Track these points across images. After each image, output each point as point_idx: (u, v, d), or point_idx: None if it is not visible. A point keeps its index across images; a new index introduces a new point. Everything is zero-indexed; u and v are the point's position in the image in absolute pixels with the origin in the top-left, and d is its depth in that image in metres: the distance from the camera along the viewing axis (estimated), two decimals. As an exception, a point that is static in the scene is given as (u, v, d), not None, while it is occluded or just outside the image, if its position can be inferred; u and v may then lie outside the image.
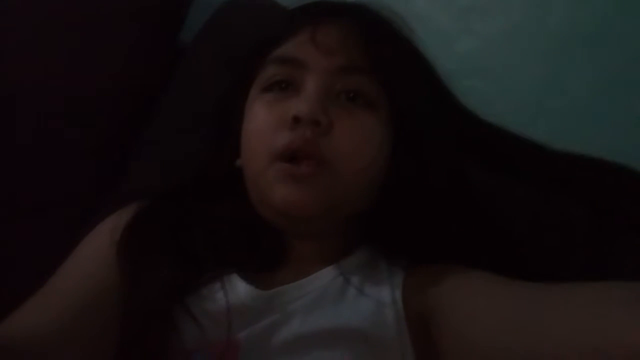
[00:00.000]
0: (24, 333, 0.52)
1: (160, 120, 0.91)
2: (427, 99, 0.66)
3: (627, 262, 0.67)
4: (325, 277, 0.61)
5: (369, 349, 0.57)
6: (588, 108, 0.91)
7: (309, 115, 0.58)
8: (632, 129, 0.87)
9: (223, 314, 0.56)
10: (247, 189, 0.64)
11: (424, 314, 0.58)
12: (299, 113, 0.58)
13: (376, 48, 0.63)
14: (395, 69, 0.64)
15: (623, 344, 0.42)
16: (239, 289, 0.59)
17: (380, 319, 0.58)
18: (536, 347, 0.49)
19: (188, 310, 0.57)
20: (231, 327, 0.56)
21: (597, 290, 0.49)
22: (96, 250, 0.62)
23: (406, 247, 0.64)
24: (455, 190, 0.65)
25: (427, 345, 0.57)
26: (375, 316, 0.59)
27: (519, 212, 0.71)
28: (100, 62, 0.89)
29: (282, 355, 0.56)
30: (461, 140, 0.69)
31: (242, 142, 0.65)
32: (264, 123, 0.62)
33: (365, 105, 0.62)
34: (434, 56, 0.70)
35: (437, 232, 0.63)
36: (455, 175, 0.66)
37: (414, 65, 0.67)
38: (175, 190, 0.69)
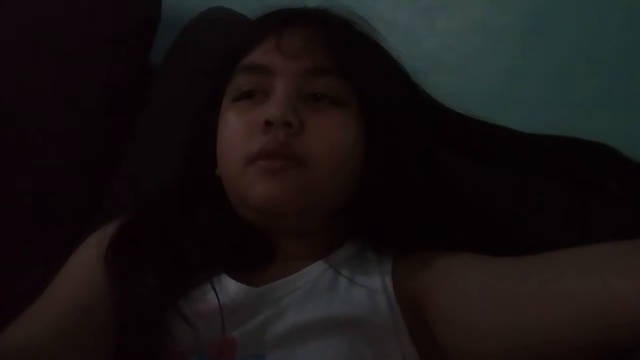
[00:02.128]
0: (18, 344, 0.52)
1: (138, 139, 0.92)
2: (394, 92, 0.67)
3: (608, 236, 0.69)
4: (315, 271, 0.62)
5: (365, 336, 0.57)
6: (548, 96, 0.93)
7: (280, 118, 0.59)
8: (595, 112, 0.89)
9: (216, 314, 0.57)
10: (228, 196, 0.65)
11: (415, 299, 0.59)
12: (270, 117, 0.60)
13: (340, 48, 0.64)
14: (360, 65, 0.65)
15: (617, 302, 0.43)
16: (230, 287, 0.60)
17: (373, 306, 0.59)
18: (525, 318, 0.50)
19: (180, 313, 0.57)
20: (225, 325, 0.56)
21: (580, 253, 0.49)
22: (84, 262, 0.62)
23: (391, 238, 0.65)
24: (433, 179, 0.66)
25: (422, 330, 0.58)
26: (368, 303, 0.59)
27: (500, 195, 0.72)
28: (73, 84, 0.90)
29: (278, 349, 0.57)
30: (434, 131, 0.71)
31: (217, 151, 0.66)
32: (236, 130, 0.63)
33: (334, 104, 0.63)
34: (401, 55, 0.72)
35: (419, 221, 0.64)
36: (431, 164, 0.67)
37: (379, 60, 0.68)
38: (156, 201, 0.70)
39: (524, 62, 0.95)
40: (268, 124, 0.60)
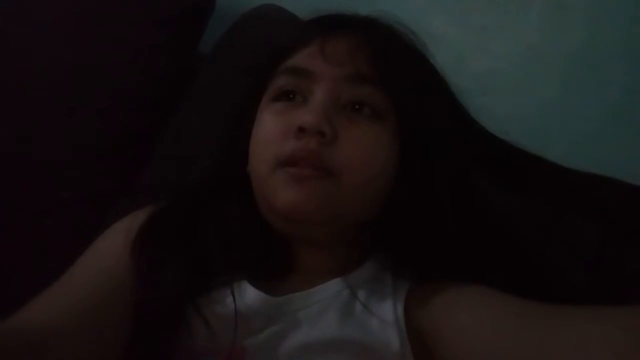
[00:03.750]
0: (37, 324, 0.53)
1: (177, 124, 0.93)
2: (435, 111, 0.66)
3: (636, 279, 0.66)
4: (333, 288, 0.62)
5: None
6: (601, 133, 0.90)
7: (314, 126, 0.59)
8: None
9: (231, 319, 0.57)
10: (255, 195, 0.65)
11: (426, 329, 0.58)
12: (304, 123, 0.59)
13: (384, 59, 0.63)
14: (402, 80, 0.64)
15: None
16: (248, 294, 0.60)
17: (384, 337, 0.58)
18: None
19: (199, 311, 0.57)
20: (238, 332, 0.56)
21: (600, 326, 0.47)
22: (111, 247, 0.63)
23: (412, 260, 0.64)
24: (463, 203, 0.65)
25: (428, 358, 0.57)
26: (380, 334, 0.59)
27: (529, 227, 0.71)
28: (119, 64, 0.91)
29: None
30: (471, 154, 0.69)
31: (250, 149, 0.66)
32: (271, 131, 0.63)
33: (371, 116, 0.62)
34: (448, 74, 0.70)
35: (443, 245, 0.63)
36: (463, 188, 0.65)
37: (423, 77, 0.67)
38: (188, 192, 0.70)
39: (576, 93, 0.92)
40: (301, 130, 0.59)
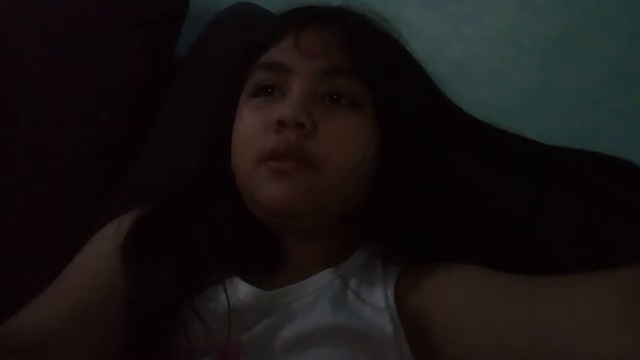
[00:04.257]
0: (32, 330, 0.52)
1: (158, 127, 0.92)
2: (412, 97, 0.66)
3: (624, 251, 0.67)
4: (324, 278, 0.62)
5: (367, 349, 0.57)
6: (578, 115, 0.91)
7: (293, 119, 0.59)
8: (622, 127, 0.87)
9: (225, 315, 0.57)
10: (240, 191, 0.65)
11: (417, 311, 0.59)
12: (283, 117, 0.59)
13: (358, 49, 0.63)
14: (377, 68, 0.64)
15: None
16: (241, 289, 0.60)
17: (377, 323, 0.59)
18: (519, 342, 0.49)
19: (194, 309, 0.57)
20: (232, 327, 0.56)
21: (590, 292, 0.47)
22: (99, 252, 0.63)
23: (401, 245, 0.65)
24: (448, 186, 0.65)
25: (422, 341, 0.58)
26: (372, 320, 0.59)
27: (515, 205, 0.71)
28: (98, 69, 0.91)
29: (283, 355, 0.56)
30: (452, 137, 0.69)
31: (232, 146, 0.66)
32: (251, 127, 0.63)
33: (349, 106, 0.62)
34: (425, 61, 0.71)
35: (431, 229, 0.64)
36: (446, 171, 0.66)
37: (397, 63, 0.67)
38: (173, 193, 0.70)
39: (551, 74, 0.93)
40: (281, 123, 0.59)
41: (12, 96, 0.87)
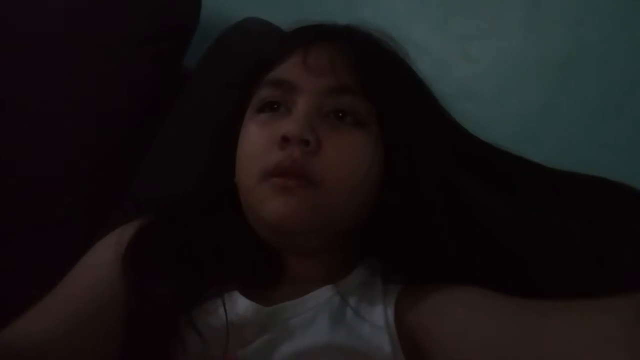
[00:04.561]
0: (28, 339, 0.53)
1: (163, 138, 0.93)
2: (417, 117, 0.66)
3: (626, 277, 0.67)
4: (324, 295, 0.62)
5: None
6: (583, 136, 0.91)
7: (298, 135, 0.59)
8: (626, 152, 0.87)
9: (224, 329, 0.57)
10: (243, 206, 0.66)
11: (416, 331, 0.59)
12: (288, 133, 0.60)
13: (364, 67, 0.64)
14: (383, 87, 0.64)
15: None
16: (240, 304, 0.60)
17: (375, 342, 0.59)
18: None
19: (192, 322, 0.57)
20: (230, 342, 0.56)
21: (596, 320, 0.47)
22: (101, 261, 0.63)
23: (402, 264, 0.65)
24: (450, 206, 0.65)
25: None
26: (371, 339, 0.59)
27: (516, 227, 0.71)
28: (106, 81, 0.91)
29: None
30: (455, 157, 0.70)
31: (237, 161, 0.66)
32: (256, 143, 0.64)
33: (354, 124, 0.63)
34: (431, 81, 0.71)
35: (432, 248, 0.63)
36: (449, 190, 0.66)
37: (403, 82, 0.68)
38: (176, 206, 0.70)
39: (556, 96, 0.93)
40: (285, 139, 0.60)
41: (16, 104, 0.88)
